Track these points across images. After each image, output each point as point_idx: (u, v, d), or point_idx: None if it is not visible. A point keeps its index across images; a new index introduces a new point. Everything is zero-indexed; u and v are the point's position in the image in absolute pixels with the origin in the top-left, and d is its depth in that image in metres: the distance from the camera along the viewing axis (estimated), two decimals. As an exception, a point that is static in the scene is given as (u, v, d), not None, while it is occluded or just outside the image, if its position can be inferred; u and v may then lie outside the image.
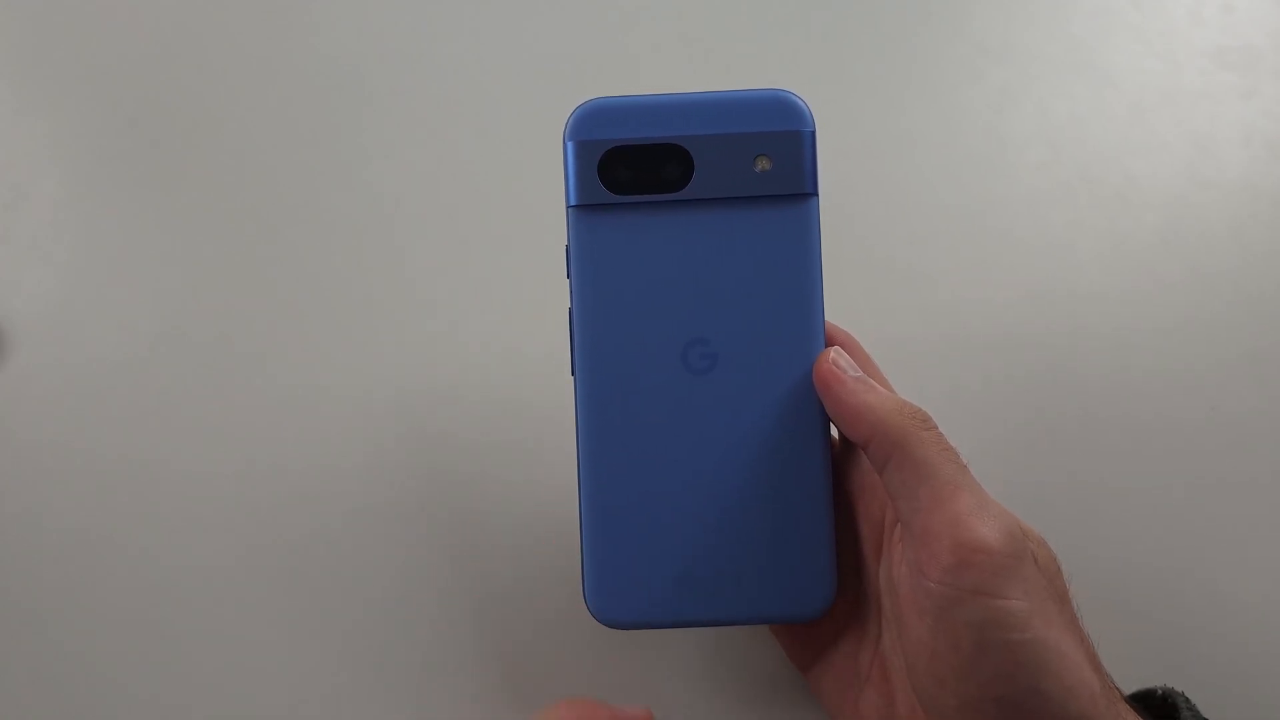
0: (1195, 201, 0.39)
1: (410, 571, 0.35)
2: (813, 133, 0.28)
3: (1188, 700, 0.28)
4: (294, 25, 0.44)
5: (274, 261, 0.40)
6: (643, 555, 0.28)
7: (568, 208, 0.28)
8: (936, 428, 0.26)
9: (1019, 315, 0.38)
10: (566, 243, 0.28)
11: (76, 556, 0.36)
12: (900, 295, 0.39)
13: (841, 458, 0.30)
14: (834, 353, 0.28)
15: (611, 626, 0.28)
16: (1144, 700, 0.29)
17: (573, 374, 0.28)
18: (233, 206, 0.41)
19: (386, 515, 0.36)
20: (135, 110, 0.43)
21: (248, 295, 0.40)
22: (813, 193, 0.28)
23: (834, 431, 0.29)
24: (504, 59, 0.43)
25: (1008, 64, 0.42)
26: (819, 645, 0.30)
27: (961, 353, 0.38)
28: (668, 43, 0.43)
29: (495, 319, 0.39)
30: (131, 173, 0.42)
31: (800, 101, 0.28)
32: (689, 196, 0.28)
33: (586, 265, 0.28)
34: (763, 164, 0.28)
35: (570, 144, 0.28)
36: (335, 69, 0.43)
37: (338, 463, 0.37)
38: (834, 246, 0.39)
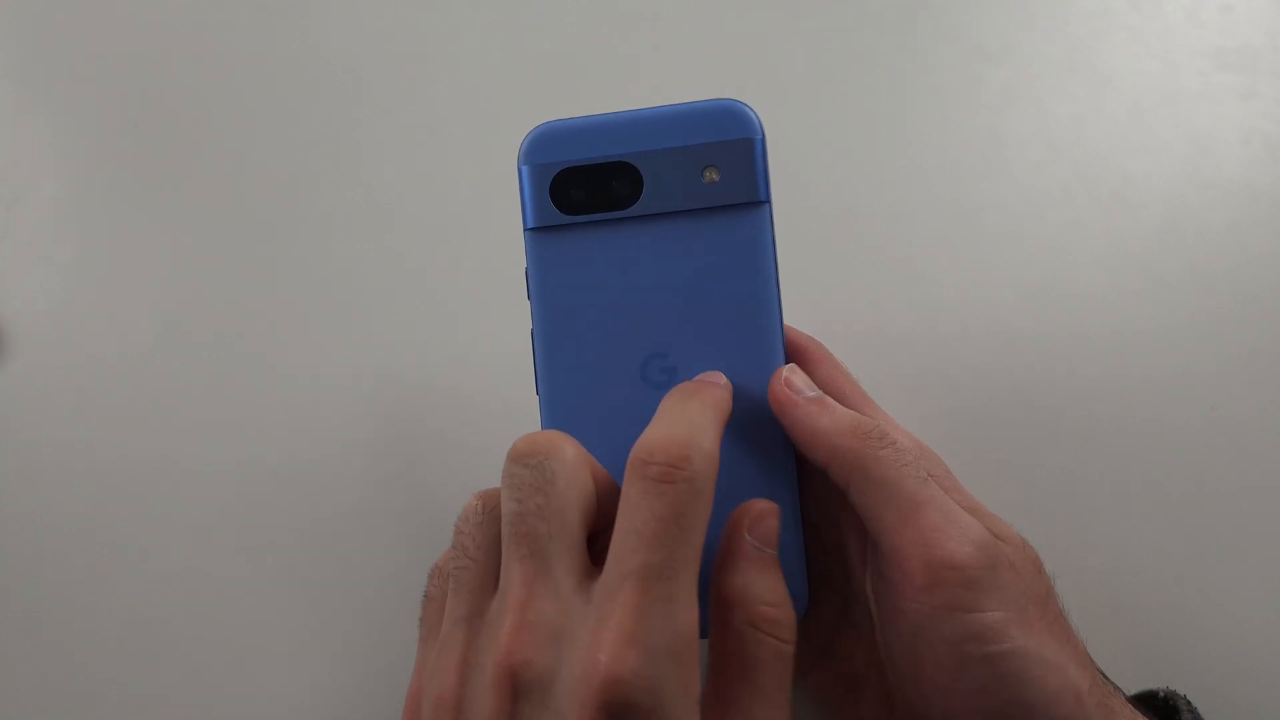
0: (1194, 202, 0.39)
1: (410, 569, 0.35)
2: (761, 140, 0.28)
3: (1189, 702, 0.28)
4: (293, 25, 0.44)
5: (274, 261, 0.40)
6: None
7: (524, 231, 0.28)
8: (894, 443, 0.26)
9: (1017, 315, 0.38)
10: (525, 266, 0.28)
11: (76, 556, 0.36)
12: (898, 295, 0.39)
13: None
14: (786, 372, 0.27)
15: None
16: (1146, 701, 0.29)
17: (537, 394, 0.28)
18: (232, 206, 0.41)
19: (386, 514, 0.36)
20: (135, 110, 0.43)
21: (247, 295, 0.40)
22: (764, 200, 0.28)
23: None
24: (502, 58, 0.43)
25: (1007, 64, 0.42)
26: (817, 648, 0.30)
27: (960, 352, 0.38)
28: (667, 43, 0.43)
29: (494, 317, 0.39)
30: (131, 173, 0.42)
31: (747, 109, 0.28)
32: (640, 213, 0.28)
33: (544, 286, 0.28)
34: (711, 175, 0.28)
35: (524, 168, 0.28)
36: (334, 69, 0.43)
37: (338, 462, 0.37)
38: (833, 246, 0.39)
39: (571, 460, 0.23)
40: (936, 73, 0.42)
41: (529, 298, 0.28)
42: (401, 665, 0.34)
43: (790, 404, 0.26)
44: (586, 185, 0.28)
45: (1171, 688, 0.29)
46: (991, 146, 0.41)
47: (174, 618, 0.35)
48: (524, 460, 0.23)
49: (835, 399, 0.27)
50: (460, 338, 0.39)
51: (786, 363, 0.27)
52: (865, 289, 0.38)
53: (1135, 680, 0.29)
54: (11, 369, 0.39)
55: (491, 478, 0.36)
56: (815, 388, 0.27)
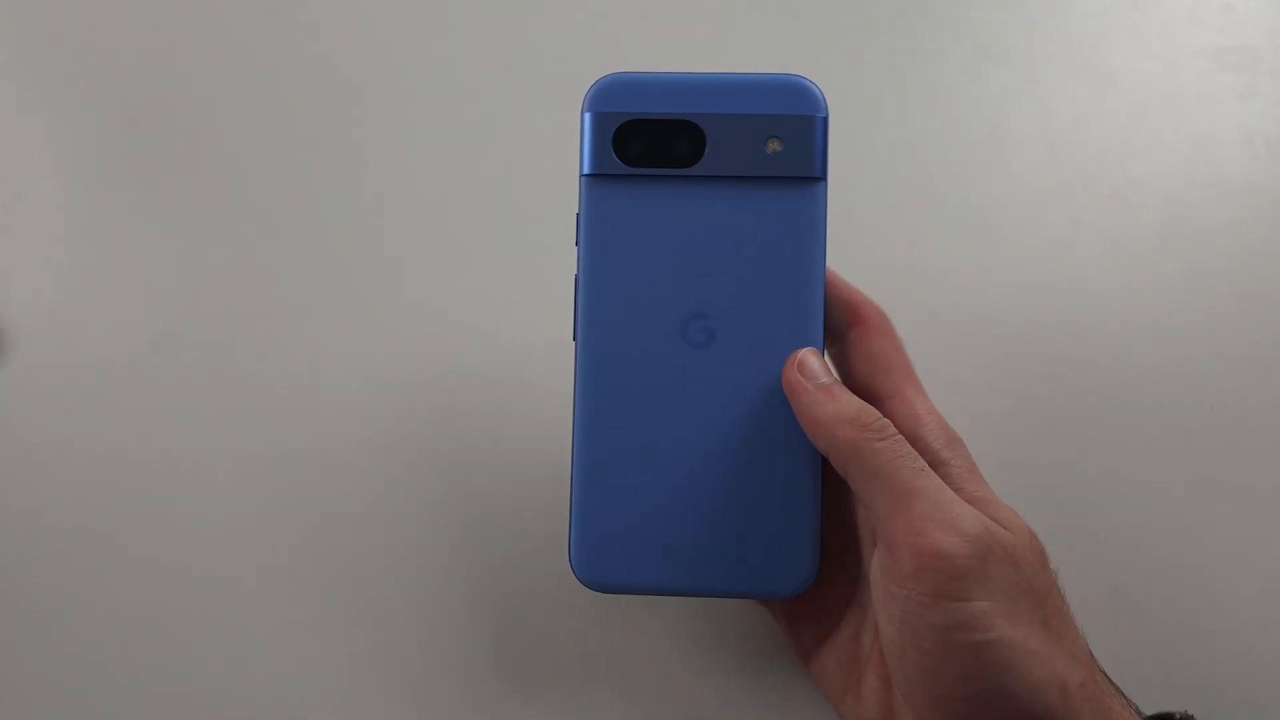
0: (1194, 201, 0.39)
1: (409, 569, 0.35)
2: (825, 119, 0.28)
3: None
4: (293, 26, 0.44)
5: (273, 260, 0.40)
6: (629, 520, 0.28)
7: (581, 176, 0.28)
8: (893, 434, 0.26)
9: (1018, 315, 0.38)
10: (577, 211, 0.28)
11: (76, 556, 0.36)
12: (899, 294, 0.38)
13: None
14: (802, 356, 0.27)
15: (593, 589, 0.29)
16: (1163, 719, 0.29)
17: (574, 339, 0.29)
18: (232, 206, 0.41)
19: (386, 513, 0.36)
20: (135, 110, 0.43)
21: (247, 294, 0.40)
22: (821, 177, 0.28)
23: None
24: (501, 57, 0.43)
25: (1008, 64, 0.42)
26: (823, 629, 0.30)
27: (961, 352, 0.38)
28: (666, 44, 0.43)
29: (493, 315, 0.39)
30: (131, 173, 0.42)
31: (815, 87, 0.28)
32: (700, 173, 0.28)
33: (595, 233, 0.28)
34: (774, 146, 0.28)
35: (588, 115, 0.28)
36: (333, 69, 0.43)
37: (339, 460, 0.37)
38: (835, 246, 0.39)
39: None
40: (938, 72, 0.42)
41: (577, 244, 0.28)
42: (401, 664, 0.34)
43: (798, 389, 0.27)
44: (650, 139, 0.28)
45: (1188, 712, 0.29)
46: (992, 146, 0.41)
47: (174, 617, 0.35)
48: None
49: (880, 373, 0.29)
50: (462, 335, 0.39)
51: (823, 342, 0.28)
52: (865, 288, 0.38)
53: (1133, 676, 0.29)
54: (11, 369, 0.39)
55: (497, 470, 0.36)
56: (830, 374, 0.27)
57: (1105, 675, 0.26)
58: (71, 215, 0.41)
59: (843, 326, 0.30)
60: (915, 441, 0.27)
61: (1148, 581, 0.35)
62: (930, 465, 0.26)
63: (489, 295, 0.39)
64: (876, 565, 0.26)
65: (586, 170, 0.28)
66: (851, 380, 0.30)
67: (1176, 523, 0.35)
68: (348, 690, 0.34)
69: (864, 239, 0.39)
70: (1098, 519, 0.35)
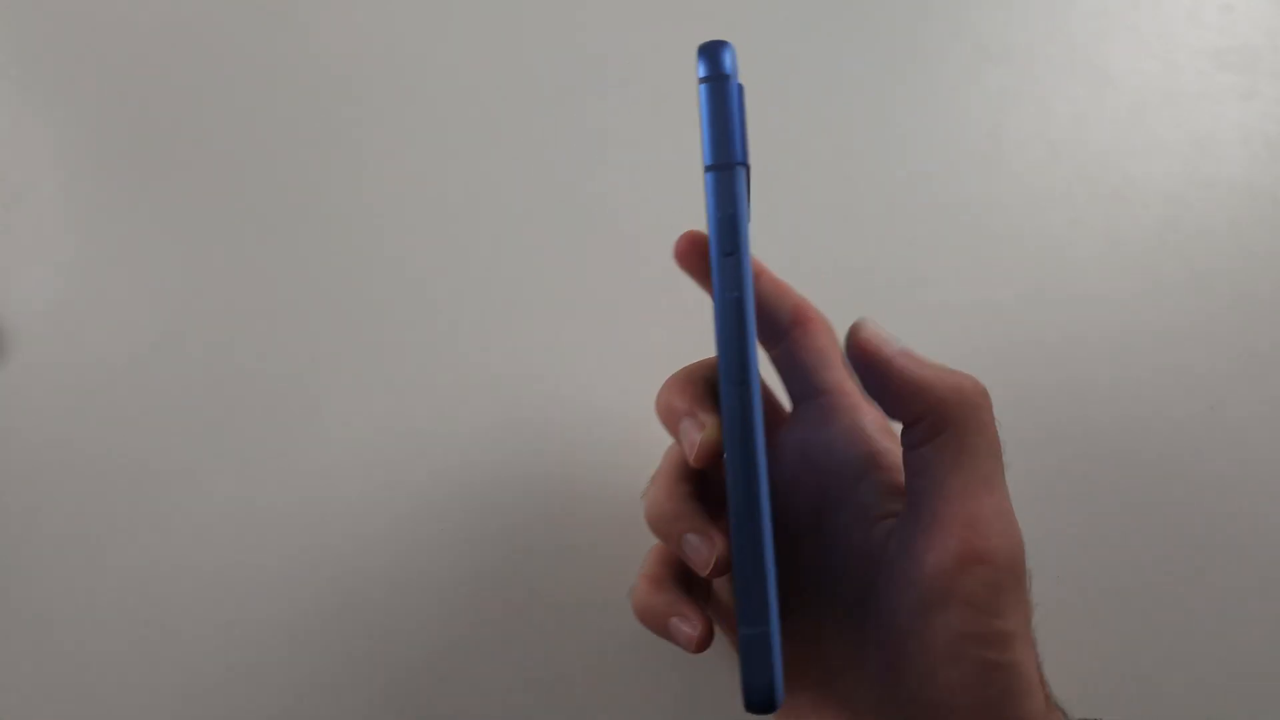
0: (1194, 201, 0.39)
1: (410, 569, 0.35)
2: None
3: None
4: (293, 26, 0.44)
5: (273, 260, 0.40)
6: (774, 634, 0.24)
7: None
8: (992, 409, 0.24)
9: (1018, 314, 0.38)
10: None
11: (76, 556, 0.36)
12: (899, 295, 0.39)
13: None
14: (872, 322, 0.25)
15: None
16: None
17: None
18: (232, 206, 0.41)
19: (385, 513, 0.36)
20: (135, 110, 0.43)
21: (247, 294, 0.40)
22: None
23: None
24: (501, 57, 0.43)
25: (1008, 64, 0.42)
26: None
27: (960, 352, 0.37)
28: (666, 43, 0.43)
29: (493, 313, 0.39)
30: (132, 173, 0.42)
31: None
32: None
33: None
34: None
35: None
36: (334, 69, 0.43)
37: (339, 460, 0.37)
38: (834, 247, 0.39)
39: None
40: (938, 72, 0.42)
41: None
42: (401, 665, 0.34)
43: (882, 355, 0.24)
44: None
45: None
46: (992, 146, 0.41)
47: (173, 617, 0.35)
48: None
49: (825, 368, 0.27)
50: (462, 332, 0.39)
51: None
52: (865, 288, 0.38)
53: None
54: (11, 369, 0.39)
55: (498, 470, 0.36)
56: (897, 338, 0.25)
57: (1050, 692, 0.25)
58: (72, 215, 0.41)
59: (786, 325, 0.28)
60: (855, 430, 0.26)
61: (1148, 581, 0.35)
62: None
63: (490, 295, 0.39)
64: (898, 548, 0.24)
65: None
66: (795, 374, 0.28)
67: (1176, 523, 0.35)
68: (347, 689, 0.34)
69: (862, 239, 0.39)
70: (1097, 519, 0.35)
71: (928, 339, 0.38)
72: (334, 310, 0.39)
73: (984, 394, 0.24)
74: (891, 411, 0.25)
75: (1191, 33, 0.42)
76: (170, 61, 0.43)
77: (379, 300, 0.39)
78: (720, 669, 0.33)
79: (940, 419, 0.24)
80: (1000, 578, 0.23)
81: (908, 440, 0.25)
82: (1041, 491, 0.36)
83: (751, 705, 0.23)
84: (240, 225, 0.41)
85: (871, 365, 0.24)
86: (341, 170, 0.41)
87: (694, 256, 0.26)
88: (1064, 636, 0.34)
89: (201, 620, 0.35)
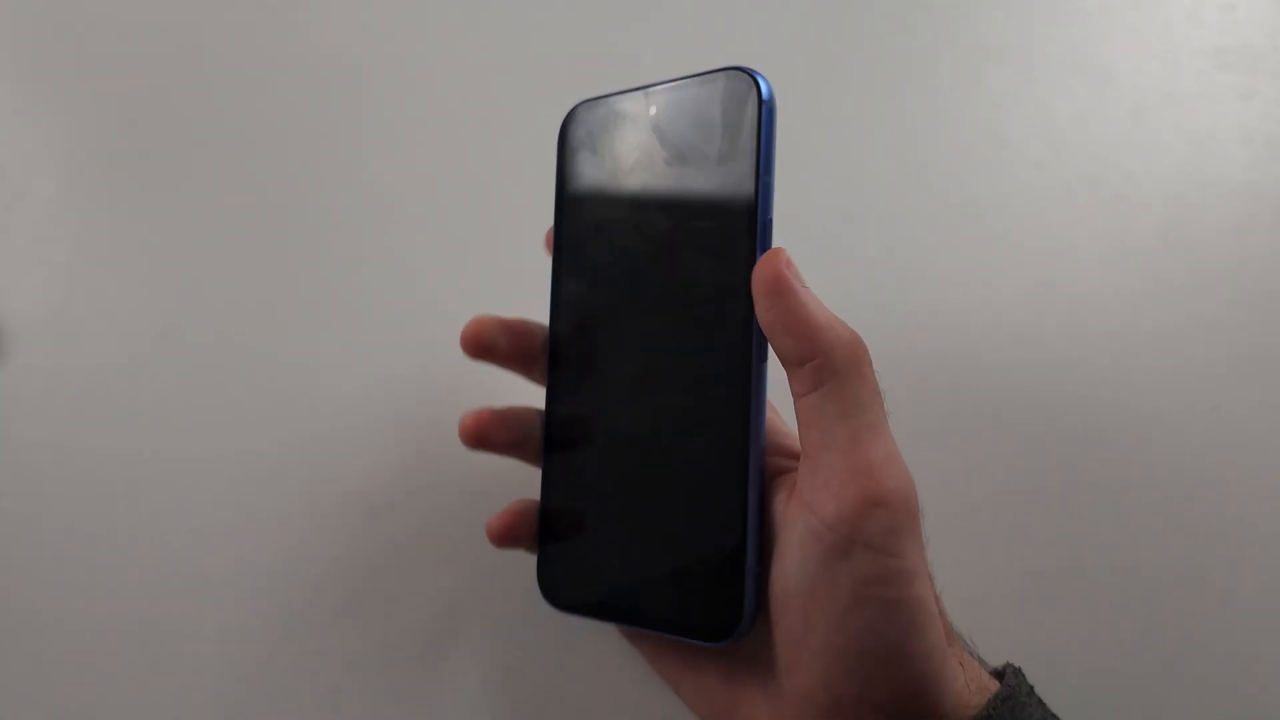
0: (1195, 201, 0.39)
1: (410, 569, 0.35)
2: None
3: (1018, 671, 0.27)
4: (293, 25, 0.44)
5: (273, 261, 0.40)
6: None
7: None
8: (871, 361, 0.25)
9: (1019, 315, 0.38)
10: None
11: (76, 556, 0.36)
12: (899, 294, 0.39)
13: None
14: (787, 254, 0.26)
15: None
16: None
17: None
18: (232, 206, 0.41)
19: (386, 514, 0.36)
20: (135, 110, 0.43)
21: (247, 294, 0.40)
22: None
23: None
24: (501, 56, 0.43)
25: (1009, 63, 0.42)
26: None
27: (961, 352, 0.38)
28: (667, 41, 0.43)
29: (495, 313, 0.39)
30: (131, 173, 0.42)
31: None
32: None
33: None
34: None
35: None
36: (334, 69, 0.43)
37: (338, 461, 0.37)
38: (834, 246, 0.39)
39: None
40: (938, 71, 0.42)
41: None
42: (400, 662, 0.34)
43: (789, 288, 0.25)
44: None
45: (1015, 664, 0.28)
46: (992, 146, 0.41)
47: (174, 618, 0.35)
48: None
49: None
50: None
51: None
52: (866, 288, 0.38)
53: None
54: (11, 369, 0.39)
55: (491, 475, 0.36)
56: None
57: (947, 619, 0.26)
58: (71, 215, 0.41)
59: None
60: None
61: (1148, 581, 0.35)
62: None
63: (490, 294, 0.39)
64: (798, 505, 0.25)
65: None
66: None
67: (1178, 523, 0.35)
68: (346, 689, 0.34)
69: (862, 239, 0.39)
70: (1099, 518, 0.35)
71: (927, 339, 0.38)
72: (334, 310, 0.39)
73: (865, 347, 0.25)
74: (780, 345, 0.26)
75: (1191, 33, 0.42)
76: (170, 62, 0.43)
77: (380, 299, 0.39)
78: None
79: (828, 365, 0.25)
80: (898, 519, 0.24)
81: (797, 386, 0.26)
82: (1041, 491, 0.35)
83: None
84: (241, 225, 0.41)
85: (781, 292, 0.25)
86: (342, 169, 0.41)
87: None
88: (1064, 636, 0.34)
89: (201, 621, 0.35)
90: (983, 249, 0.39)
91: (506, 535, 0.30)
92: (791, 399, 0.26)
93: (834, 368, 0.25)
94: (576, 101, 0.31)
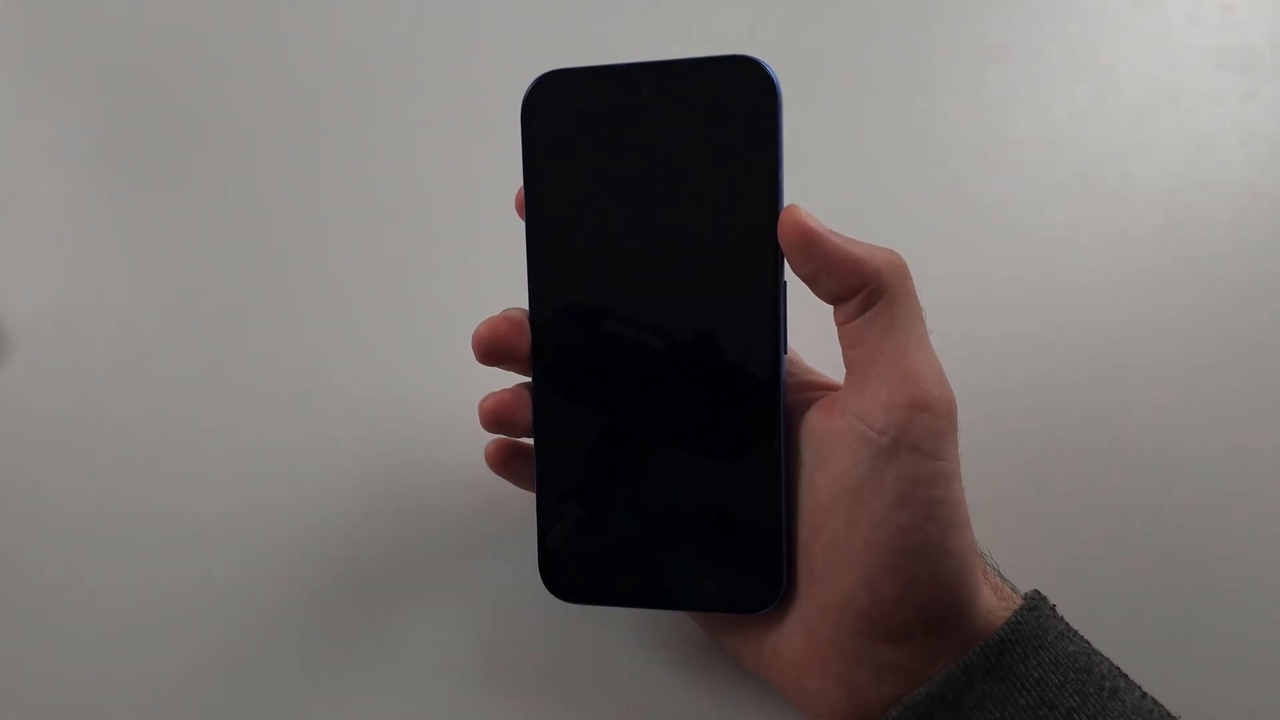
0: (1195, 201, 0.39)
1: (410, 570, 0.35)
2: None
3: (1042, 597, 0.28)
4: (293, 25, 0.44)
5: (274, 261, 0.40)
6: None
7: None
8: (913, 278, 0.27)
9: (1019, 314, 0.38)
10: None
11: (77, 555, 0.36)
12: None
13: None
14: (804, 209, 0.27)
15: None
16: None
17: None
18: (233, 206, 0.41)
19: (386, 516, 0.36)
20: (135, 110, 0.43)
21: (248, 294, 0.40)
22: None
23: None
24: (503, 54, 0.43)
25: (1009, 63, 0.42)
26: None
27: (961, 352, 0.38)
28: (666, 38, 0.43)
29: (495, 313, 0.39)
30: (131, 172, 0.42)
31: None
32: None
33: None
34: None
35: None
36: (334, 68, 0.43)
37: (338, 462, 0.37)
38: (834, 246, 0.39)
39: None
40: (938, 71, 0.42)
41: None
42: (400, 663, 0.34)
43: (820, 232, 0.27)
44: None
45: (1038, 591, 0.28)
46: (993, 145, 0.41)
47: (174, 618, 0.35)
48: None
49: None
50: (463, 336, 0.38)
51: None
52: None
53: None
54: (11, 369, 0.39)
55: (483, 476, 0.36)
56: None
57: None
58: (72, 214, 0.41)
59: None
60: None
61: (1148, 581, 0.35)
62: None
63: (490, 294, 0.39)
64: (844, 417, 0.26)
65: None
66: None
67: (1177, 522, 0.35)
68: (345, 688, 0.34)
69: (863, 238, 0.39)
70: (1098, 517, 0.35)
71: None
72: (334, 309, 0.39)
73: (905, 264, 0.27)
74: (827, 288, 0.27)
75: (1192, 33, 0.42)
76: (171, 61, 0.43)
77: (380, 298, 0.39)
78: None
79: (877, 288, 0.26)
80: (941, 424, 0.25)
81: (843, 315, 0.27)
82: (1041, 490, 0.36)
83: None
84: (241, 225, 0.41)
85: (810, 244, 0.26)
86: (342, 169, 0.41)
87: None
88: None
89: (202, 621, 0.35)
90: (983, 249, 0.39)
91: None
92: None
93: (882, 288, 0.26)
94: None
